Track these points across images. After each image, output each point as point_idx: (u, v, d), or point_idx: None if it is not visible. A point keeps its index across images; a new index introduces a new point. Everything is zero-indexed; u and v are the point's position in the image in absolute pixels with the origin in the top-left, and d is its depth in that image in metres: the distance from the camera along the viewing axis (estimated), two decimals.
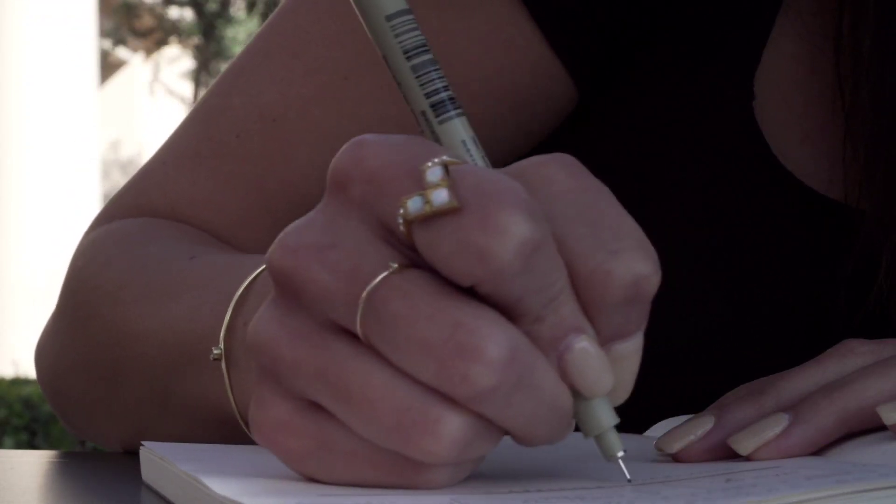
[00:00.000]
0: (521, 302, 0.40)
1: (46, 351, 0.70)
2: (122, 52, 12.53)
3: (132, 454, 0.56)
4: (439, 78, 0.44)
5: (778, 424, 0.48)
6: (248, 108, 0.68)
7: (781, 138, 0.67)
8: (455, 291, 0.40)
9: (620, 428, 0.43)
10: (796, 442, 0.48)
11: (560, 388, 0.41)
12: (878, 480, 0.41)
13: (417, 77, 0.44)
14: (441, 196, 0.40)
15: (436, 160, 0.40)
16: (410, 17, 0.44)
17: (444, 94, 0.44)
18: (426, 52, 0.44)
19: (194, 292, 0.59)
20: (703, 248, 0.66)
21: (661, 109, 0.68)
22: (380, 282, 0.40)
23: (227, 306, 0.54)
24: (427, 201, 0.40)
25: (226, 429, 0.55)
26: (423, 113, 0.44)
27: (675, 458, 0.49)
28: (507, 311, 0.41)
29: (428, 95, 0.43)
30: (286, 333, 0.42)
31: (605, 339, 0.42)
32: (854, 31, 0.65)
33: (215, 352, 0.54)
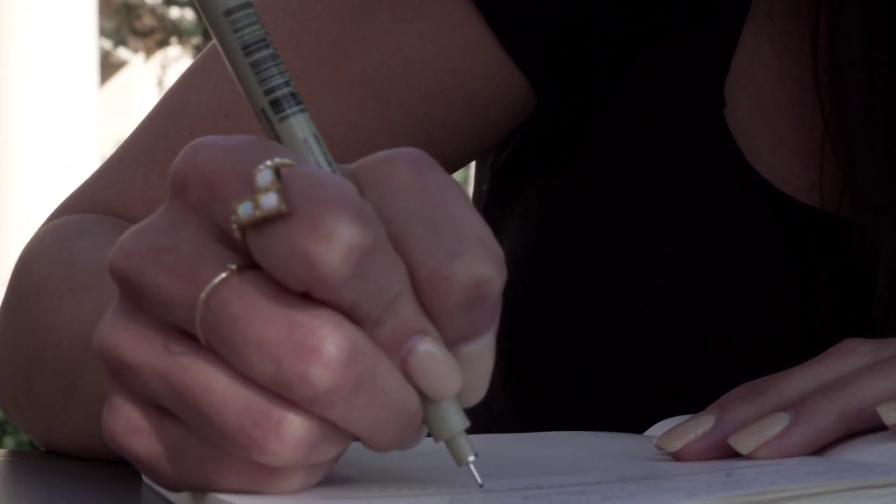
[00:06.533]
0: (358, 306, 0.39)
1: None
2: (122, 53, 12.51)
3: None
4: (280, 73, 0.42)
5: (778, 424, 0.48)
6: (203, 105, 0.68)
7: (754, 144, 0.66)
8: (294, 293, 0.39)
9: (620, 428, 0.43)
10: (796, 441, 0.48)
11: (405, 391, 0.40)
12: (877, 478, 0.41)
13: (256, 73, 0.42)
14: (270, 201, 0.39)
15: (268, 163, 0.40)
16: (251, 10, 0.42)
17: (284, 91, 0.42)
18: (266, 47, 0.42)
19: (107, 285, 0.58)
20: (677, 254, 0.66)
21: (631, 119, 0.67)
22: (217, 283, 0.40)
23: None
24: (257, 206, 0.39)
25: None
26: (263, 111, 0.42)
27: (676, 457, 0.49)
28: (347, 316, 0.40)
29: (267, 92, 0.42)
30: (128, 337, 0.41)
31: (452, 342, 0.41)
32: (832, 33, 0.65)
33: None
